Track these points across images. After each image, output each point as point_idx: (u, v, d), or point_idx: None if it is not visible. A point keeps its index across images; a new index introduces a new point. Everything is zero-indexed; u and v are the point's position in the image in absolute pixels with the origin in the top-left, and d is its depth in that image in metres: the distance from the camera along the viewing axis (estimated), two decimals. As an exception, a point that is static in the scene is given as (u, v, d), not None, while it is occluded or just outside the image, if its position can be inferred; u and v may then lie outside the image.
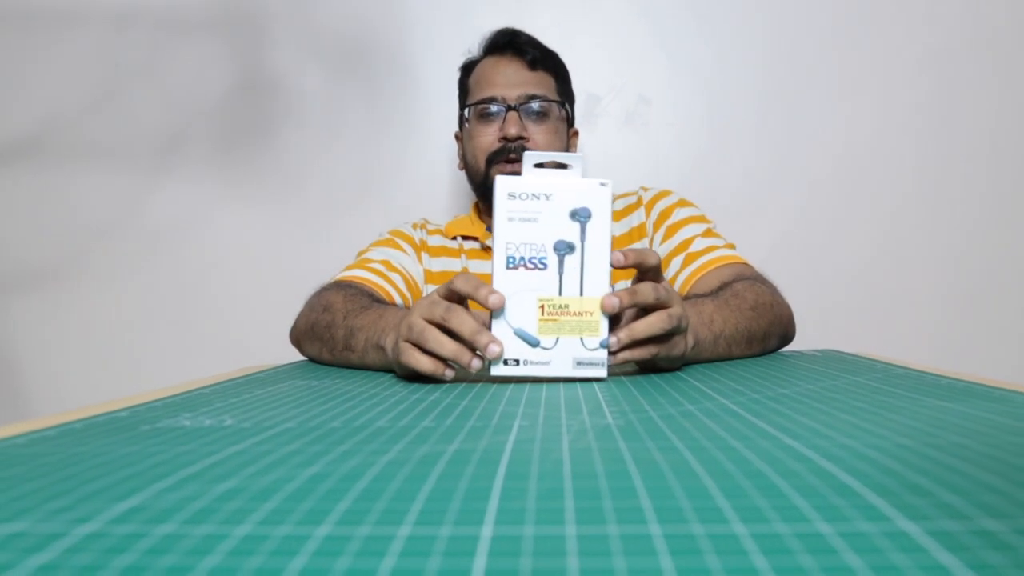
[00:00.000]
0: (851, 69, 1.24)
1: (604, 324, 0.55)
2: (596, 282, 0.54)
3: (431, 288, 0.97)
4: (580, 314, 0.54)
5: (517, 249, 0.54)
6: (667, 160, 1.26)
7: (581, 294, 0.54)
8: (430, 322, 0.55)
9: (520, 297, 0.54)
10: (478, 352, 0.54)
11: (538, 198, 0.54)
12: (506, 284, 0.54)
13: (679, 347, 0.59)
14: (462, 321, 0.54)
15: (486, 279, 0.56)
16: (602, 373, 0.55)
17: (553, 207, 0.54)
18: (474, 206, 1.08)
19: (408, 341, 0.57)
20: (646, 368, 0.61)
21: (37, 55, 1.29)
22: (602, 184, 0.54)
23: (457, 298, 0.57)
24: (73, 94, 1.29)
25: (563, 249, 0.54)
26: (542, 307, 0.54)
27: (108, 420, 0.41)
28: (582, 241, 0.54)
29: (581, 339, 0.55)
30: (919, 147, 1.24)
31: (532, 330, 0.54)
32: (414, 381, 0.61)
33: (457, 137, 1.08)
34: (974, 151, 1.23)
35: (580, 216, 0.54)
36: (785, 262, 1.20)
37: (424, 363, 0.55)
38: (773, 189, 1.25)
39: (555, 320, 0.54)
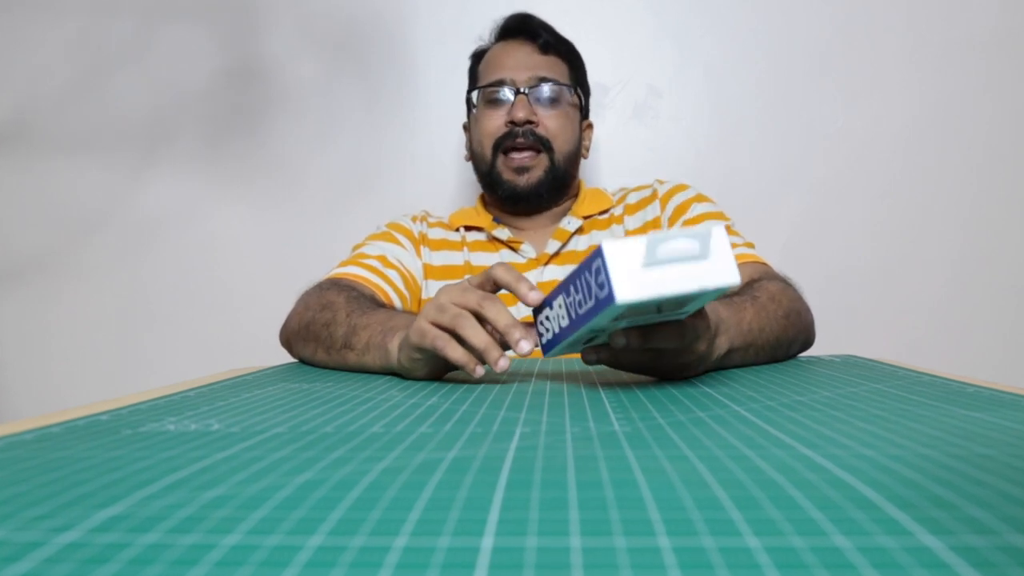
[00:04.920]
0: (864, 64, 1.24)
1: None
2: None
3: (432, 283, 0.97)
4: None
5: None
6: (677, 154, 1.26)
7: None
8: (463, 308, 0.55)
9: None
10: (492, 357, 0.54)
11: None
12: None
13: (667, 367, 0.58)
14: (499, 312, 0.54)
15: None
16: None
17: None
18: (480, 198, 1.07)
19: (436, 324, 0.56)
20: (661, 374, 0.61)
21: (16, 40, 1.29)
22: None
23: (493, 288, 0.57)
24: (55, 81, 1.29)
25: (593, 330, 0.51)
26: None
27: (88, 424, 0.41)
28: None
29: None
30: (933, 144, 1.23)
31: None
32: (412, 379, 0.61)
33: (465, 127, 1.08)
34: (996, 146, 1.23)
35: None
36: (796, 261, 1.20)
37: (458, 353, 0.54)
38: (783, 186, 1.25)
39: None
